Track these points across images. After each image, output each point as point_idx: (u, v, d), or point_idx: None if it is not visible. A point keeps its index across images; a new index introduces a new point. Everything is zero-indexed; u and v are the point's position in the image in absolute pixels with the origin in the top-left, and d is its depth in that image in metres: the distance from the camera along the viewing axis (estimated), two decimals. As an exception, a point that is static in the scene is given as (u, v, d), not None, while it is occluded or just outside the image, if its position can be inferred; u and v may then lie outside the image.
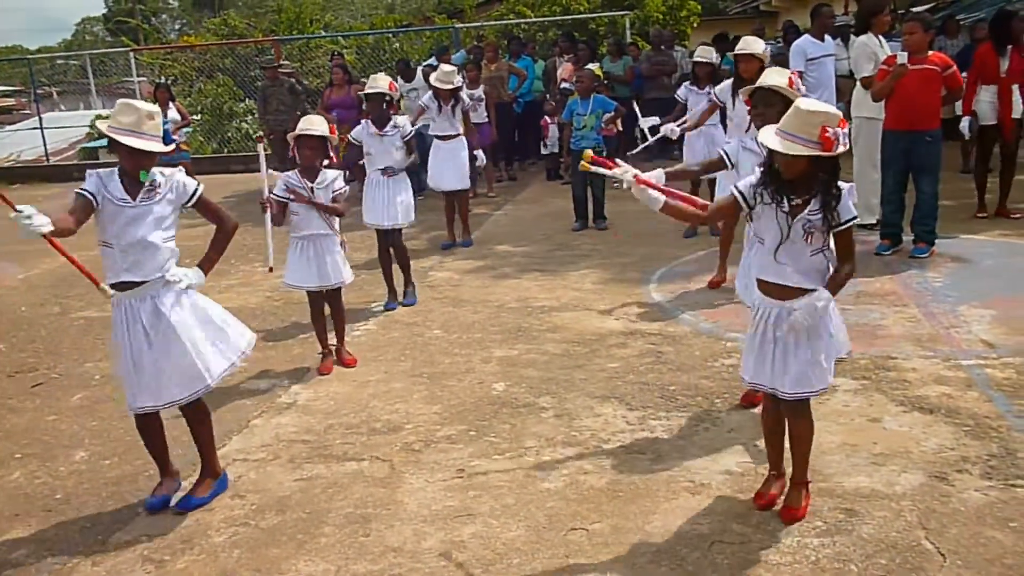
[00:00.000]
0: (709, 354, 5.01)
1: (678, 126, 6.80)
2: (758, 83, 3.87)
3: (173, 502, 3.66)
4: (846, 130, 2.85)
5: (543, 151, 12.01)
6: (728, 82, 6.29)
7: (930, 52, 6.73)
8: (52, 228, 3.09)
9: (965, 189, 8.57)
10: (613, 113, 8.30)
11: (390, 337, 5.72)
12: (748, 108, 4.03)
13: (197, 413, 3.66)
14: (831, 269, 3.06)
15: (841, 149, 2.83)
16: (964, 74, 8.10)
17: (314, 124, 4.97)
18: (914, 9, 11.91)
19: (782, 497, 3.33)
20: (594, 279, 6.77)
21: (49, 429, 4.59)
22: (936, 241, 6.81)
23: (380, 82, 6.25)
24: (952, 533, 3.10)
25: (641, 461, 3.79)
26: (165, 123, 3.45)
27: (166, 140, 3.40)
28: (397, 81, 11.14)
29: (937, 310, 5.50)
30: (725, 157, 4.55)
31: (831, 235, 3.01)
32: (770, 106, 3.67)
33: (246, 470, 3.95)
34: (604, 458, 3.84)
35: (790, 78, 3.80)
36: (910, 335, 5.09)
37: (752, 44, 6.00)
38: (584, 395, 4.54)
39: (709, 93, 6.91)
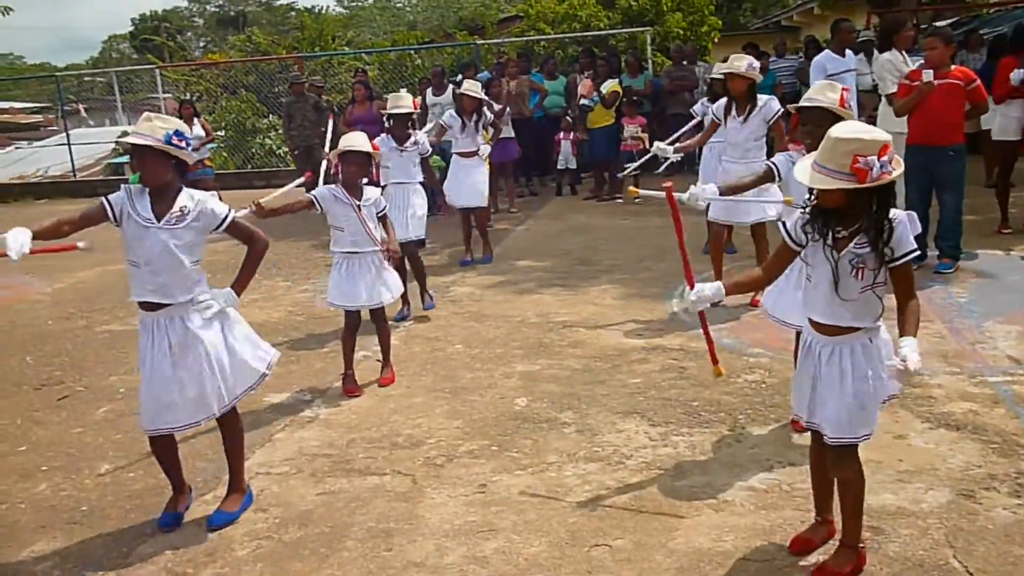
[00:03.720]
0: (731, 370, 4.97)
1: (669, 145, 6.61)
2: (813, 101, 3.68)
3: (188, 517, 3.67)
4: (887, 157, 2.59)
5: (558, 166, 12.04)
6: (722, 100, 6.26)
7: (952, 66, 6.69)
8: (28, 248, 3.20)
9: (990, 204, 8.50)
10: None
11: (411, 352, 5.74)
12: (794, 125, 3.93)
13: (232, 427, 3.69)
14: (882, 306, 2.82)
15: (883, 178, 2.58)
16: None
17: (358, 141, 4.93)
18: (936, 24, 11.87)
19: (825, 550, 3.09)
20: (615, 294, 6.76)
21: (74, 442, 4.64)
22: (961, 256, 6.75)
23: (404, 101, 6.33)
24: (980, 551, 3.06)
25: (664, 477, 3.77)
26: (179, 135, 3.42)
27: (166, 139, 3.31)
28: (427, 94, 11.20)
29: (962, 326, 5.45)
30: (774, 169, 4.37)
31: (885, 271, 2.76)
32: (820, 125, 3.40)
33: (269, 484, 3.96)
34: (626, 474, 3.82)
35: (841, 95, 3.60)
36: (935, 351, 5.04)
37: (735, 63, 6.03)
38: (606, 410, 4.53)
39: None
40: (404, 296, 6.51)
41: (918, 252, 2.79)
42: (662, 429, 4.26)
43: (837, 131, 2.67)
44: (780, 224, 2.96)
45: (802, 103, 3.77)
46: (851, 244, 2.73)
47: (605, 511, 3.51)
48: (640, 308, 6.33)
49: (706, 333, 3.30)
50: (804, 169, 2.74)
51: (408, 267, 6.48)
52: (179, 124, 3.43)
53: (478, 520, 3.51)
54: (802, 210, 2.88)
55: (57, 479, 4.18)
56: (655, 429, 4.26)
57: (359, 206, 4.94)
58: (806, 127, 3.69)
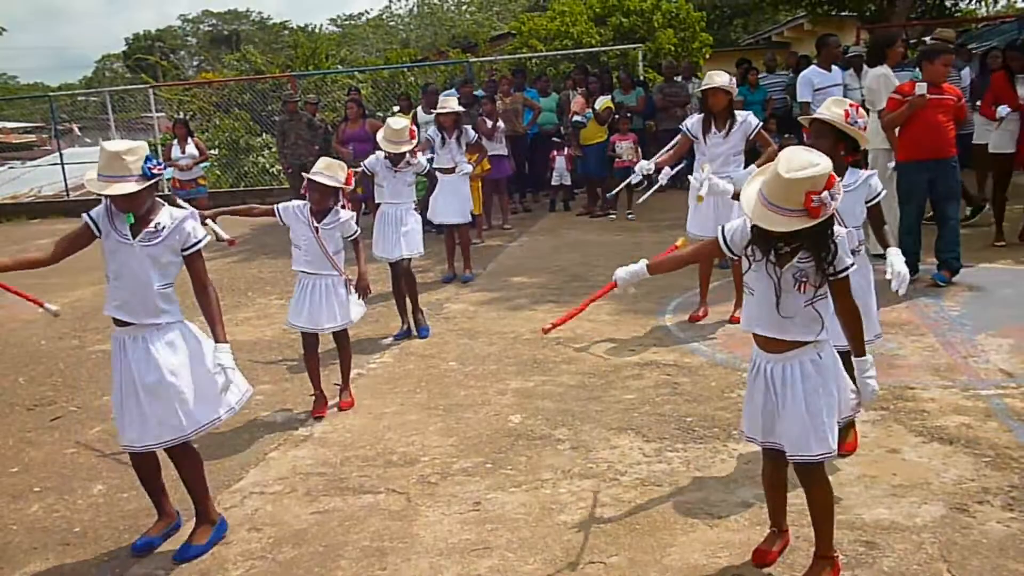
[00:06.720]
0: (725, 385, 4.99)
1: (649, 163, 6.32)
2: (816, 114, 3.76)
3: (164, 546, 3.60)
4: (835, 188, 2.63)
5: (552, 183, 12.08)
6: (698, 116, 6.20)
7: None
8: None
9: (981, 217, 8.57)
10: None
11: (405, 369, 5.74)
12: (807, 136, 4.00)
13: (184, 457, 3.56)
14: (825, 319, 2.84)
15: (830, 211, 2.63)
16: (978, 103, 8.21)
17: (330, 171, 4.76)
18: (926, 39, 11.95)
19: (782, 557, 3.16)
20: (609, 310, 6.77)
21: (67, 462, 4.62)
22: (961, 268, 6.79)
23: (403, 137, 6.20)
24: (974, 565, 3.06)
25: (658, 493, 3.77)
26: (150, 160, 3.30)
27: (145, 174, 3.25)
28: (418, 111, 11.20)
29: (955, 339, 5.48)
30: None
31: (827, 283, 2.80)
32: (821, 137, 3.51)
33: (263, 503, 3.95)
34: (621, 490, 3.82)
35: (846, 110, 3.58)
36: (928, 364, 5.06)
37: (716, 78, 6.01)
38: (600, 427, 4.53)
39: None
40: (403, 314, 6.52)
41: (855, 266, 2.84)
42: (656, 445, 4.26)
43: (786, 171, 2.60)
44: (719, 228, 2.97)
45: (812, 116, 3.78)
46: (794, 259, 2.77)
47: (600, 528, 3.51)
48: (634, 324, 6.34)
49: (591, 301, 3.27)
50: (752, 204, 2.71)
51: (403, 285, 6.49)
52: (142, 147, 3.33)
53: (473, 538, 3.50)
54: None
55: (50, 500, 4.17)
56: (649, 445, 4.26)
57: (317, 228, 4.82)
58: (811, 140, 3.70)
